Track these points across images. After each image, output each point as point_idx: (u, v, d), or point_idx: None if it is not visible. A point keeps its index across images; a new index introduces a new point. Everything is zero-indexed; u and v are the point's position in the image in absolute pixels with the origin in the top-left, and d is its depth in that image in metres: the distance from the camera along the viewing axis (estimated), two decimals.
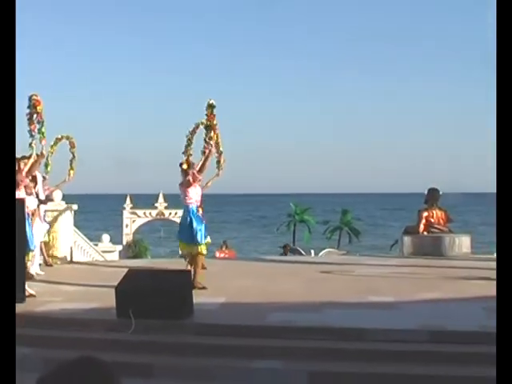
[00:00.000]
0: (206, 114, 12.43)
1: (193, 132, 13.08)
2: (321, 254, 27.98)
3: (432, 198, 19.18)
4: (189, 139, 13.04)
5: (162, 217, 33.99)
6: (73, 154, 15.21)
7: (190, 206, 11.56)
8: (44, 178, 14.41)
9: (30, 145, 11.21)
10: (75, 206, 16.95)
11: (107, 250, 25.91)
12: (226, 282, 12.10)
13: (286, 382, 7.29)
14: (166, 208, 33.89)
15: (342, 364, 7.48)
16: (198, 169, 11.80)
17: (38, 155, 11.28)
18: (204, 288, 11.00)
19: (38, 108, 11.11)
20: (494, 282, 12.83)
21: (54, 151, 15.13)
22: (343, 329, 8.24)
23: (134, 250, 32.33)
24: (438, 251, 17.69)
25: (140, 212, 33.84)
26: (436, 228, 18.69)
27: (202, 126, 12.81)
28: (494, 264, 15.82)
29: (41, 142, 11.24)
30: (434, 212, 18.84)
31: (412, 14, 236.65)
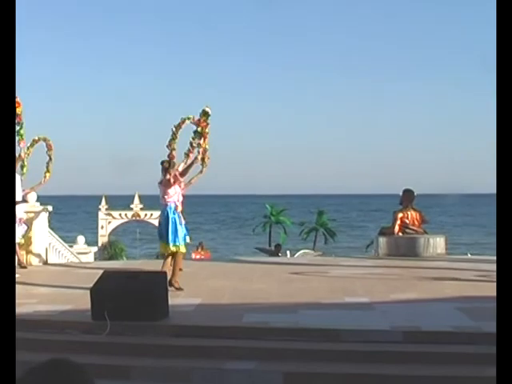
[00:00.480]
0: (199, 120, 12.41)
1: (178, 126, 12.99)
2: (297, 255, 28.10)
3: (407, 199, 19.28)
4: (174, 133, 12.96)
5: (138, 218, 33.93)
6: (49, 156, 15.12)
7: (169, 205, 11.52)
8: (20, 180, 14.39)
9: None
10: (50, 208, 16.85)
11: (82, 252, 25.82)
12: (201, 283, 12.10)
13: (262, 382, 7.31)
14: (141, 209, 33.82)
15: (318, 364, 7.51)
16: (180, 171, 11.81)
17: (18, 156, 11.25)
18: (180, 289, 11.02)
19: (17, 110, 11.06)
20: (468, 283, 13.00)
21: (31, 153, 15.06)
22: (319, 329, 8.27)
23: (109, 251, 32.23)
24: (412, 252, 17.80)
25: (115, 213, 33.74)
26: (411, 229, 18.79)
27: (188, 122, 12.75)
28: (467, 265, 15.98)
29: (19, 144, 11.23)
30: (409, 213, 18.95)
31: (409, 15, 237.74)
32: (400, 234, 18.71)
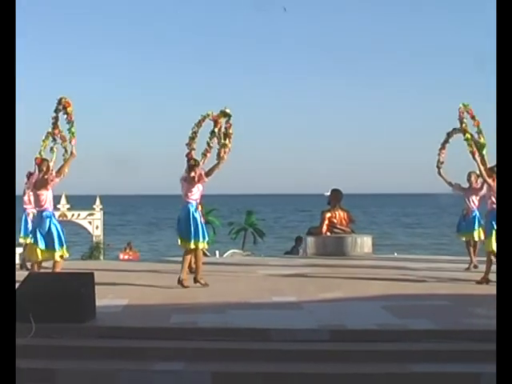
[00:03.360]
0: (217, 116, 12.37)
1: (199, 124, 12.86)
2: (225, 255, 28.07)
3: (334, 198, 19.51)
4: (194, 132, 12.83)
5: (65, 219, 33.37)
6: (65, 148, 14.71)
7: (191, 203, 11.82)
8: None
9: (52, 149, 11.77)
10: None
11: None
12: (129, 284, 11.99)
13: (190, 383, 7.28)
14: (68, 210, 33.33)
15: (246, 364, 7.53)
16: (207, 171, 11.98)
17: (70, 154, 11.46)
18: (206, 285, 11.67)
19: (68, 109, 11.37)
20: (393, 282, 13.20)
21: (47, 145, 14.72)
22: (247, 329, 8.29)
23: None
24: (340, 251, 18.03)
25: None
26: (338, 228, 19.02)
27: (207, 119, 12.65)
28: (393, 264, 16.22)
29: (71, 141, 11.49)
30: (337, 213, 19.17)
31: (401, 15, 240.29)
32: (328, 233, 18.91)
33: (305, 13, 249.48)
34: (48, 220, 11.27)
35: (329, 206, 19.40)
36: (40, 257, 11.23)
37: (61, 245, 11.26)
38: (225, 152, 12.23)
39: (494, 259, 12.22)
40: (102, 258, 30.45)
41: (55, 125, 11.69)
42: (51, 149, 11.80)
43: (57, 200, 33.13)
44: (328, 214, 19.13)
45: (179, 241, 11.99)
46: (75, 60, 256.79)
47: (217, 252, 29.57)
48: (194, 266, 12.36)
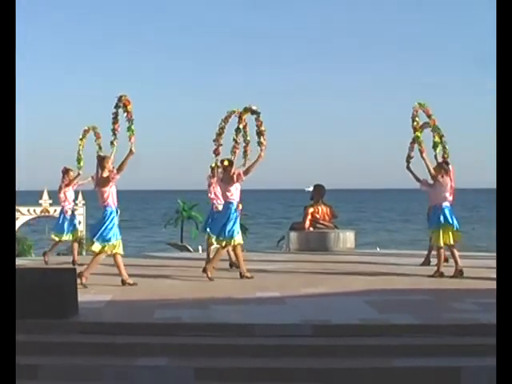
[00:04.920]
0: (240, 113, 12.53)
1: (225, 120, 12.93)
2: None
3: (317, 194, 19.54)
4: (221, 127, 12.90)
5: (47, 214, 33.25)
6: (99, 145, 14.66)
7: (232, 203, 12.16)
8: (78, 173, 14.92)
9: (112, 143, 11.73)
10: None
11: None
12: (112, 280, 11.96)
13: (173, 378, 7.29)
14: (50, 205, 33.18)
15: (229, 360, 7.53)
16: (245, 170, 12.22)
17: (129, 151, 11.51)
18: (252, 277, 12.21)
19: (128, 107, 11.58)
20: (376, 277, 13.26)
21: (84, 144, 14.71)
22: (231, 324, 8.31)
23: (16, 248, 31.51)
24: (323, 246, 18.08)
25: (23, 209, 33.00)
26: (321, 224, 19.06)
27: (233, 116, 12.81)
28: (375, 259, 16.29)
29: (130, 139, 11.52)
30: (320, 208, 19.21)
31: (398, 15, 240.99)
32: (311, 228, 18.95)
33: (305, 12, 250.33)
34: (111, 216, 11.46)
35: (312, 202, 19.44)
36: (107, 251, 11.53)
37: (116, 239, 11.54)
38: (262, 150, 12.34)
39: (449, 252, 12.47)
40: (84, 253, 30.33)
41: (115, 119, 11.76)
42: (111, 143, 11.89)
43: (39, 195, 33.10)
44: (311, 210, 19.17)
45: (216, 240, 12.67)
46: (75, 60, 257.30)
47: (200, 247, 29.56)
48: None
